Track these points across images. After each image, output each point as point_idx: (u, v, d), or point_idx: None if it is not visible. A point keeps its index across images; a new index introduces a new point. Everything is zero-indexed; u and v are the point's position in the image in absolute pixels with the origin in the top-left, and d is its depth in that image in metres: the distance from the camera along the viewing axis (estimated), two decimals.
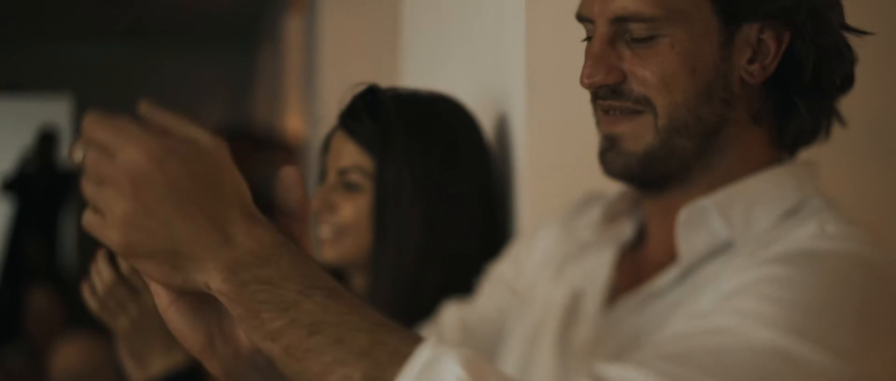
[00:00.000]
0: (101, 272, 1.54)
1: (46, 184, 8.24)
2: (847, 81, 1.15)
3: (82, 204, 0.86)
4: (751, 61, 1.11)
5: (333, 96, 1.75)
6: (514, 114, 1.71)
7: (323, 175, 1.73)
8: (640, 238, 1.24)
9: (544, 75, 1.64)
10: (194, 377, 1.59)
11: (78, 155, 0.83)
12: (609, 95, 1.12)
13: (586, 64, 1.12)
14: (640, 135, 1.11)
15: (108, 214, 0.83)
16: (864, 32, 1.14)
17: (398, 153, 1.62)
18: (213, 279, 0.84)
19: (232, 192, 0.85)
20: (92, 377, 3.08)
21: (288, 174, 0.92)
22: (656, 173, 1.14)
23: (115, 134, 0.83)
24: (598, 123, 1.16)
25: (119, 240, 0.83)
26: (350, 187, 1.65)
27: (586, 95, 1.17)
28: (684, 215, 1.12)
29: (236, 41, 9.57)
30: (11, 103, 9.52)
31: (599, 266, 1.25)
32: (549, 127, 1.64)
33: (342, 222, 1.66)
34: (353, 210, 1.65)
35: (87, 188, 0.84)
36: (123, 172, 0.82)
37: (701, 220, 1.12)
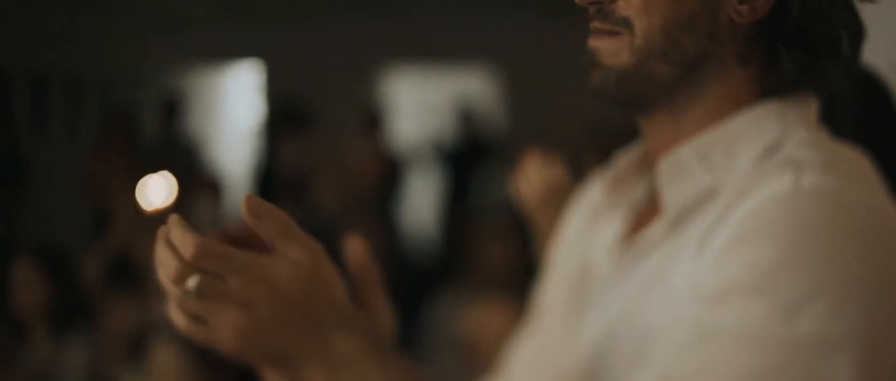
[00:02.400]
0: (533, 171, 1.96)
1: (467, 155, 8.73)
2: (843, 41, 1.08)
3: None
4: (741, 0, 1.06)
5: None
6: None
7: None
8: (651, 199, 1.21)
9: None
10: None
11: (192, 283, 0.93)
12: (596, 14, 1.11)
13: None
14: (616, 52, 1.10)
15: (219, 325, 0.95)
16: None
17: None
18: (316, 376, 0.98)
19: (328, 304, 0.98)
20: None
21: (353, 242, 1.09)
22: (632, 93, 1.11)
23: (223, 264, 0.94)
24: None
25: (234, 349, 0.95)
26: None
27: None
28: (665, 164, 1.10)
29: None
30: (434, 72, 10.03)
31: (609, 228, 1.25)
32: None
33: None
34: None
35: (194, 304, 0.95)
36: (236, 297, 0.94)
37: (682, 168, 1.10)
